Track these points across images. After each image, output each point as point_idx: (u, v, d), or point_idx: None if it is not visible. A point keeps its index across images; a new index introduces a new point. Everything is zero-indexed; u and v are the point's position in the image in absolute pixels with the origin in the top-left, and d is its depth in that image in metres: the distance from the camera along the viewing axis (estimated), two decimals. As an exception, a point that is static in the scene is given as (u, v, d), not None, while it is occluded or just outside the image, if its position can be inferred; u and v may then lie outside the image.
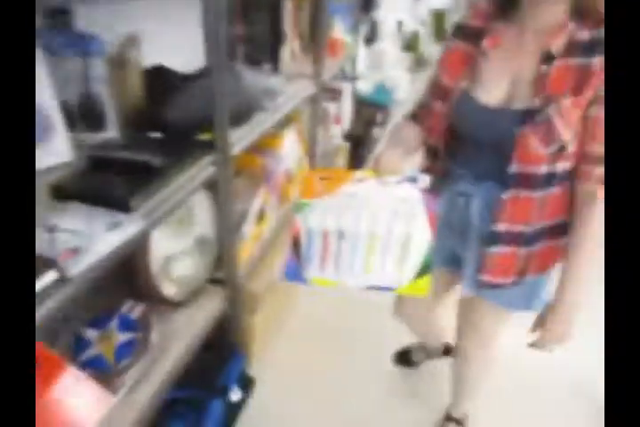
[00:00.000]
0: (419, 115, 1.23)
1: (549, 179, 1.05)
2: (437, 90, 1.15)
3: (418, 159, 1.24)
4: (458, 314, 1.44)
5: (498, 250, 1.13)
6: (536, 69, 1.00)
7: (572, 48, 0.97)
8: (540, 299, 1.22)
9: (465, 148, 1.15)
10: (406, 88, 4.12)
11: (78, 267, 0.85)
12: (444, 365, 1.56)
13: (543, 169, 1.03)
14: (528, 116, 1.00)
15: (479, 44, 1.06)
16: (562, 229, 1.13)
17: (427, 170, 1.21)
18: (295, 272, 1.05)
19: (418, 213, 1.02)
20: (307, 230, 1.05)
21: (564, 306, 1.10)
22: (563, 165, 1.04)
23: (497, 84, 1.05)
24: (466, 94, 1.08)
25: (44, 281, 0.81)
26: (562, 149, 1.01)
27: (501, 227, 1.10)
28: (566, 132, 0.99)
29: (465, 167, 1.15)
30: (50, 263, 0.83)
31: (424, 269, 1.02)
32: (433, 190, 1.03)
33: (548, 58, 0.98)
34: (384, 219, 1.02)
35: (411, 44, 4.62)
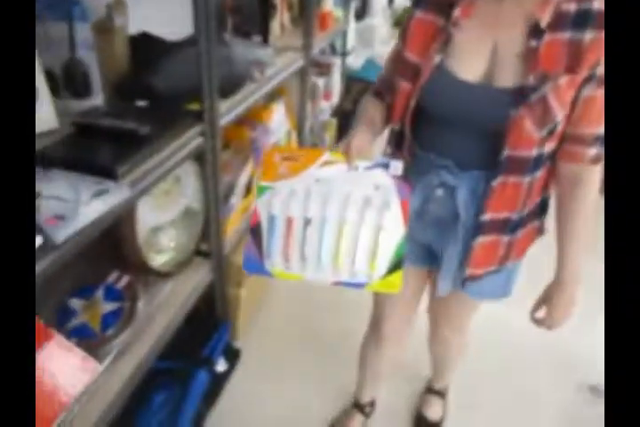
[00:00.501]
0: (382, 92, 1.13)
1: (537, 162, 0.99)
2: (402, 66, 1.02)
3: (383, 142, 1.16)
4: (430, 307, 1.40)
5: (482, 240, 1.06)
6: (522, 43, 0.91)
7: (560, 20, 0.88)
8: (514, 283, 1.21)
9: (439, 131, 1.04)
10: (396, 65, 4.08)
11: (64, 233, 0.85)
12: (423, 340, 1.57)
13: (534, 152, 0.96)
14: (520, 95, 0.91)
15: (449, 14, 0.94)
16: (537, 211, 1.11)
17: (391, 156, 1.12)
18: (256, 264, 0.96)
19: (391, 203, 0.93)
20: (269, 217, 0.95)
21: (569, 285, 1.09)
22: (550, 147, 0.98)
23: (476, 58, 0.94)
24: (440, 69, 0.96)
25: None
26: (553, 130, 0.94)
27: (487, 216, 1.03)
28: (560, 113, 0.92)
29: (441, 154, 1.03)
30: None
31: (397, 264, 0.93)
32: (406, 178, 0.95)
33: (536, 31, 0.89)
34: (355, 206, 0.93)
35: (401, 21, 4.57)
